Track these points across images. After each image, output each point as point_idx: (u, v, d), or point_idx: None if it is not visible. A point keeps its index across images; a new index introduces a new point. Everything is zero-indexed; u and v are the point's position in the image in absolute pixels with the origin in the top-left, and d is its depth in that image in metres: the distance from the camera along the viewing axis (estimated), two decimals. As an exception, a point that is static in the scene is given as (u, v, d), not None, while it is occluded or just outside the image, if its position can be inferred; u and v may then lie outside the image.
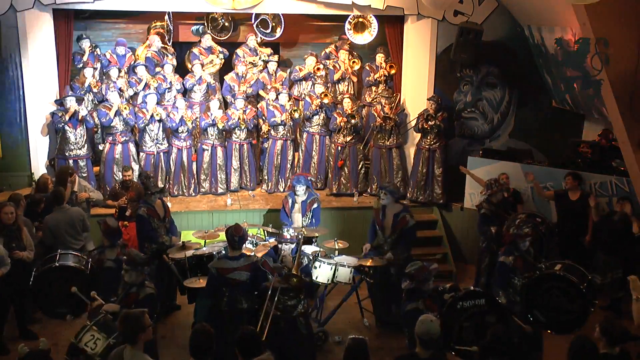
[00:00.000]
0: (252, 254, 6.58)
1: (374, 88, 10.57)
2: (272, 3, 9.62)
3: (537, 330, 6.11)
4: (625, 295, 7.53)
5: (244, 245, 6.40)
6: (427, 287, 5.67)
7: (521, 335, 6.00)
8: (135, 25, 11.12)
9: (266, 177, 10.32)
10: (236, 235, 6.07)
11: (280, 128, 10.09)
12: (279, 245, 6.15)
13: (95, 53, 10.40)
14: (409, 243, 7.44)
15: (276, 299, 5.89)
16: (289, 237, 6.27)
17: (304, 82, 10.81)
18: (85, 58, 10.17)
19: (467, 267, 9.43)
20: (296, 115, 10.02)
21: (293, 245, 6.32)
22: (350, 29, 10.42)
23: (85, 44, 10.25)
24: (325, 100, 10.01)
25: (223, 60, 10.86)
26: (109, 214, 8.84)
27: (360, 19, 10.37)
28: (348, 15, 10.16)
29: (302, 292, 6.07)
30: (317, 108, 10.08)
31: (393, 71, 10.22)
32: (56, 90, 9.70)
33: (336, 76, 10.64)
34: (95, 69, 10.16)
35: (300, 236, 7.03)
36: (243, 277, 6.00)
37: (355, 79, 10.77)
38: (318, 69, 10.49)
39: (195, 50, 10.80)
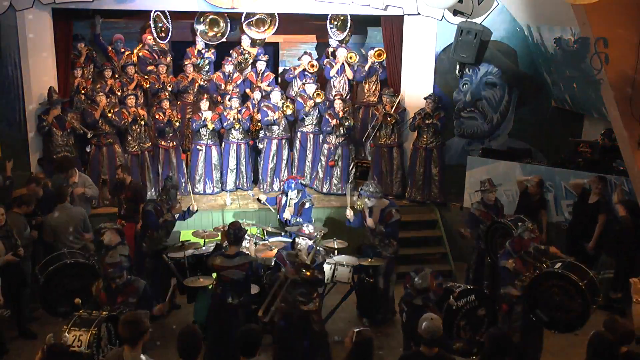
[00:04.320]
0: (249, 253, 6.60)
1: (365, 85, 10.65)
2: (272, 2, 9.60)
3: (538, 327, 6.15)
4: (621, 296, 7.59)
5: (242, 242, 6.39)
6: (437, 295, 5.70)
7: (521, 332, 6.06)
8: (135, 25, 11.11)
9: (261, 178, 10.32)
10: (231, 229, 6.08)
11: (275, 127, 10.06)
12: (297, 240, 6.23)
13: (90, 55, 10.38)
14: (392, 236, 7.50)
15: (286, 291, 5.96)
16: (307, 232, 6.31)
17: (298, 81, 10.78)
18: (82, 60, 10.17)
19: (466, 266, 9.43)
20: (288, 111, 9.96)
21: (310, 242, 6.44)
22: (333, 28, 10.55)
23: (81, 45, 10.24)
24: (318, 100, 9.99)
25: (210, 61, 10.85)
26: (110, 212, 8.88)
27: (342, 18, 10.56)
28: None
29: (314, 288, 6.10)
30: (311, 109, 10.06)
31: (382, 58, 10.33)
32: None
33: (332, 72, 10.63)
34: (84, 68, 10.15)
35: (318, 234, 7.07)
36: (237, 276, 6.00)
37: (350, 76, 10.77)
38: (312, 65, 10.53)
39: (188, 50, 10.81)
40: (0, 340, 6.80)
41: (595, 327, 4.83)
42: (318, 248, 6.67)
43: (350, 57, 10.57)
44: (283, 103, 10.02)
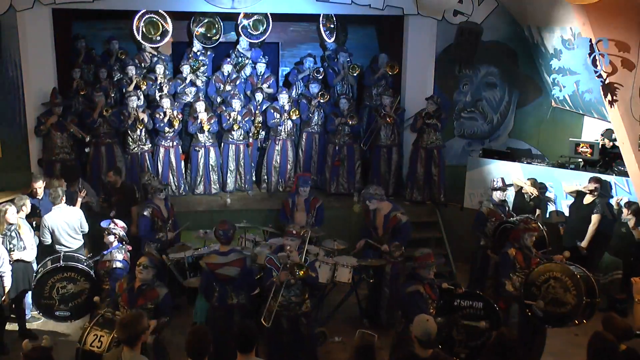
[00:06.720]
0: (242, 249, 6.56)
1: (374, 89, 10.56)
2: (272, 3, 9.60)
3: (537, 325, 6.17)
4: (627, 297, 7.58)
5: (232, 240, 6.31)
6: (426, 274, 5.70)
7: (519, 329, 6.06)
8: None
9: (265, 177, 10.32)
10: (220, 229, 6.05)
11: (280, 129, 10.08)
12: (284, 242, 6.21)
13: (90, 53, 10.37)
14: (405, 239, 7.42)
15: (281, 295, 5.89)
16: (295, 232, 6.30)
17: (301, 83, 10.78)
18: (80, 59, 10.16)
19: (467, 267, 9.41)
20: (294, 117, 9.99)
21: (299, 242, 6.42)
22: (327, 31, 10.59)
23: (81, 45, 10.24)
24: (322, 100, 10.00)
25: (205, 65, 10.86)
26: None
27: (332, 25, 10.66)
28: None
29: (305, 289, 6.05)
30: (315, 108, 10.06)
31: (395, 71, 10.08)
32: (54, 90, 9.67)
33: (335, 80, 10.64)
34: (82, 69, 10.15)
35: (306, 232, 7.05)
36: (232, 272, 5.97)
37: (352, 84, 10.78)
38: (317, 70, 10.51)
39: (187, 50, 10.81)
40: (0, 340, 6.82)
41: (595, 329, 4.83)
42: (307, 248, 6.60)
43: (354, 68, 10.52)
44: (290, 106, 10.01)
